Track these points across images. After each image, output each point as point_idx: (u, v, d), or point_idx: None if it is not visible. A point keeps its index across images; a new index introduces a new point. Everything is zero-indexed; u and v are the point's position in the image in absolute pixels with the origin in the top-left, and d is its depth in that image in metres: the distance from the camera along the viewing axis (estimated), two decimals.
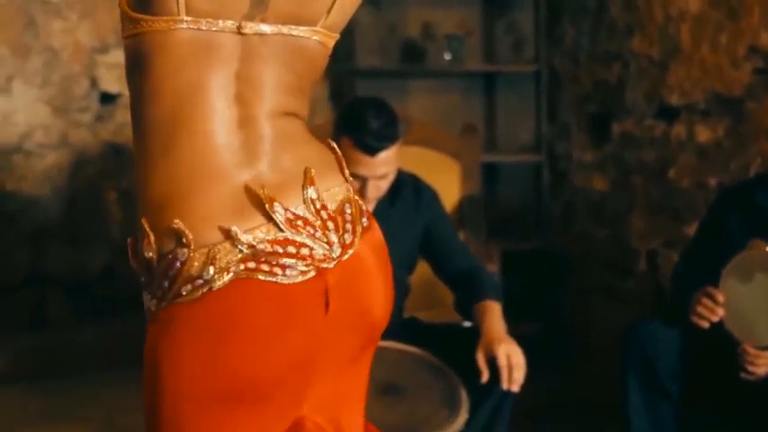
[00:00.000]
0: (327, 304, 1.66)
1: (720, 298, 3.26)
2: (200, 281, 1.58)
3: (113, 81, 4.93)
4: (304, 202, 1.65)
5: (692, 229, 4.06)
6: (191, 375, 1.60)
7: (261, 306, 1.60)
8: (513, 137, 5.63)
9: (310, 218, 1.65)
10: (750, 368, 3.24)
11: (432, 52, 5.44)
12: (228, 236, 1.59)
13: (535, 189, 5.54)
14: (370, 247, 1.76)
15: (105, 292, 5.06)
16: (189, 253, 1.59)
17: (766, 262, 3.27)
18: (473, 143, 4.56)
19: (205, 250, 1.59)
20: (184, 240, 1.59)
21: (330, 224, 1.67)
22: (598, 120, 5.07)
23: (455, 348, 3.24)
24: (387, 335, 3.33)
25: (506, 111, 5.63)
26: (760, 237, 3.29)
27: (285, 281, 1.61)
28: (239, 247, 1.59)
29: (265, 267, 1.60)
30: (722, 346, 3.28)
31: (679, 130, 4.47)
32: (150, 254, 1.62)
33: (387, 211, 3.46)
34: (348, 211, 1.72)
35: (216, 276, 1.58)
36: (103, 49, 4.85)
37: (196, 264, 1.59)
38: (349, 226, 1.70)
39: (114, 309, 5.02)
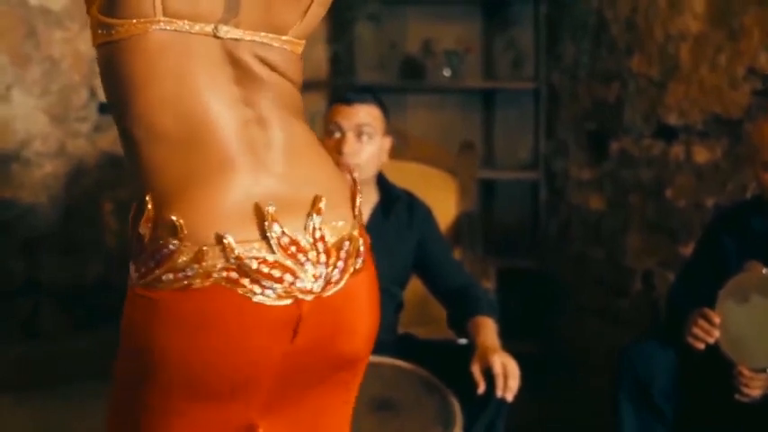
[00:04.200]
0: (296, 333, 1.66)
1: (716, 319, 3.26)
2: (182, 275, 1.61)
3: None
4: (305, 229, 1.65)
5: (688, 250, 4.07)
6: (156, 357, 1.63)
7: (231, 317, 1.62)
8: (511, 154, 5.63)
9: (306, 246, 1.65)
10: (745, 390, 3.24)
11: (431, 68, 5.45)
12: (221, 242, 1.60)
13: (532, 206, 5.54)
14: (359, 286, 1.75)
15: (100, 301, 5.05)
16: (180, 246, 1.61)
17: (763, 284, 3.26)
18: (471, 160, 4.56)
19: (196, 248, 1.60)
20: (179, 233, 1.60)
21: (323, 257, 1.67)
22: (596, 138, 5.07)
23: (450, 365, 3.24)
24: (381, 350, 3.36)
25: (505, 128, 5.63)
26: (756, 259, 3.29)
27: (261, 300, 1.62)
28: (228, 255, 1.60)
29: (246, 282, 1.61)
30: (717, 367, 3.27)
31: (677, 150, 4.47)
32: (145, 231, 1.64)
33: (380, 224, 3.47)
34: (345, 247, 1.71)
35: (198, 277, 1.60)
36: None
37: (183, 258, 1.61)
38: (341, 263, 1.70)
39: (109, 318, 5.01)
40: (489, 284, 4.00)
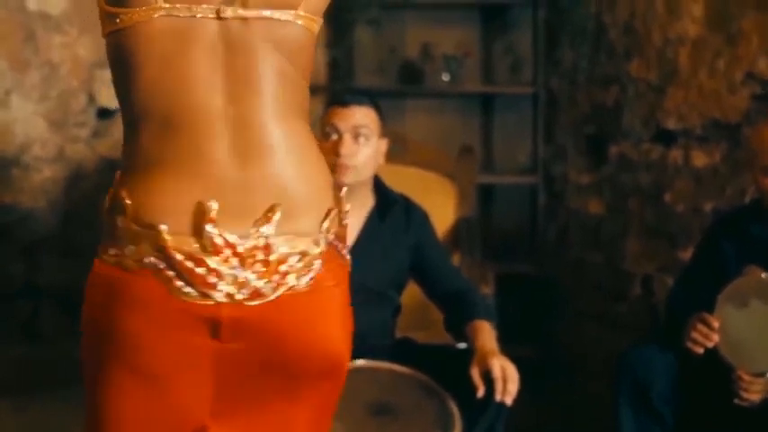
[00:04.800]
0: (219, 335, 1.65)
1: (715, 324, 3.26)
2: (120, 253, 1.65)
3: (111, 97, 4.88)
4: (248, 235, 1.64)
5: (687, 254, 4.07)
6: (95, 324, 1.70)
7: (152, 304, 1.64)
8: (509, 158, 5.63)
9: (242, 251, 1.63)
10: (744, 395, 3.24)
11: (430, 73, 5.45)
12: (155, 229, 1.62)
13: (531, 211, 5.54)
14: (305, 302, 1.70)
15: None
16: (124, 224, 1.64)
17: (762, 288, 3.27)
18: (469, 164, 4.56)
19: (138, 230, 1.63)
20: (125, 212, 1.64)
21: (259, 266, 1.65)
22: (595, 143, 5.07)
23: (449, 369, 3.24)
24: (379, 354, 3.36)
25: (503, 132, 5.63)
26: (755, 263, 3.29)
27: (178, 295, 1.63)
28: (159, 244, 1.61)
29: (170, 273, 1.62)
30: (717, 372, 3.27)
31: (676, 154, 4.47)
32: (105, 206, 1.69)
33: (377, 228, 3.48)
34: (291, 262, 1.67)
35: (131, 258, 1.63)
36: (102, 65, 4.84)
37: (126, 237, 1.64)
38: (277, 277, 1.66)
39: None
40: (488, 289, 4.00)
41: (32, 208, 4.92)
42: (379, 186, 3.55)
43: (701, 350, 3.28)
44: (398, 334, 3.59)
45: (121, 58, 1.67)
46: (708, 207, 4.27)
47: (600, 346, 4.84)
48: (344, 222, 1.80)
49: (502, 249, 5.38)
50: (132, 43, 1.64)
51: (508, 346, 3.30)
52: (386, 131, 3.50)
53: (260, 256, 1.64)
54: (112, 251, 1.66)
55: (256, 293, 1.65)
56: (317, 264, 1.70)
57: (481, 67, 5.62)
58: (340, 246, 1.78)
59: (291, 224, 1.67)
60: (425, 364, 3.29)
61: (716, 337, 3.26)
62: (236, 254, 1.63)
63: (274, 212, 1.65)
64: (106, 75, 4.91)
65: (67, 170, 4.97)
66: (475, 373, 3.11)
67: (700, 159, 4.33)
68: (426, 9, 5.58)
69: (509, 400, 3.09)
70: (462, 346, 3.40)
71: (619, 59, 4.84)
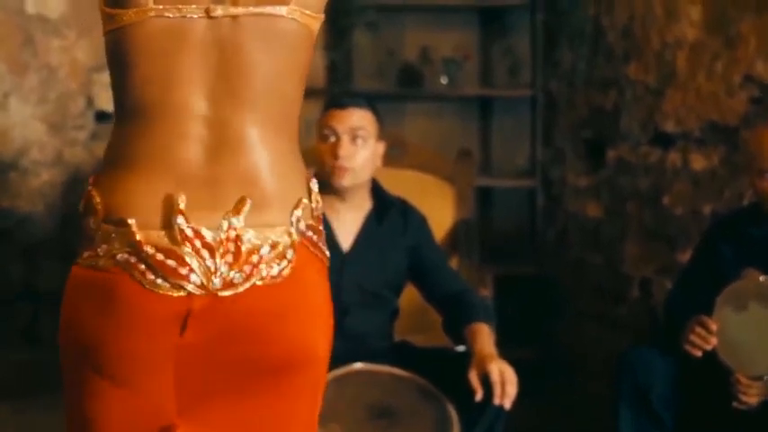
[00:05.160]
0: (185, 327, 1.65)
1: (714, 327, 3.26)
2: (94, 253, 1.65)
3: (110, 100, 4.88)
4: (218, 227, 1.64)
5: (685, 257, 4.07)
6: (69, 329, 1.73)
7: (124, 301, 1.64)
8: (508, 161, 5.63)
9: (212, 242, 1.64)
10: (742, 397, 3.24)
11: (429, 76, 5.45)
12: (125, 224, 1.63)
13: (529, 214, 5.54)
14: (275, 293, 1.69)
15: None
16: (96, 224, 1.66)
17: (760, 291, 3.27)
18: (468, 167, 4.56)
19: (109, 228, 1.64)
20: (95, 211, 1.66)
21: (229, 257, 1.65)
22: (593, 146, 5.07)
23: (447, 372, 3.25)
24: (377, 357, 3.37)
25: (502, 135, 5.63)
26: (753, 266, 3.29)
27: (152, 288, 1.63)
28: (130, 239, 1.62)
29: (141, 267, 1.63)
30: (715, 374, 3.27)
31: (674, 157, 4.47)
32: (81, 209, 1.70)
33: (374, 231, 3.49)
34: (263, 253, 1.67)
35: (104, 257, 1.64)
36: (100, 68, 4.85)
37: (98, 236, 1.65)
38: (248, 267, 1.66)
39: None
40: (487, 292, 4.00)
41: (31, 212, 4.92)
42: (376, 189, 3.55)
43: (699, 353, 3.28)
44: (397, 337, 3.60)
45: (116, 58, 1.70)
46: (706, 210, 4.27)
47: (599, 348, 4.84)
48: (317, 214, 1.78)
49: (501, 252, 5.38)
50: (126, 43, 1.66)
51: (508, 347, 3.30)
52: (384, 134, 3.51)
53: (231, 246, 1.65)
54: (86, 254, 1.67)
55: (228, 283, 1.65)
56: (290, 254, 1.70)
57: (480, 70, 5.62)
58: (315, 237, 1.76)
59: (262, 215, 1.67)
60: (424, 368, 3.29)
61: (714, 340, 3.26)
62: (206, 245, 1.63)
63: (244, 204, 1.65)
64: (104, 78, 4.92)
65: (66, 174, 4.97)
66: (473, 377, 3.11)
67: (698, 162, 4.33)
68: (425, 12, 5.58)
69: (508, 404, 3.09)
70: (461, 349, 3.41)
71: (617, 62, 4.84)
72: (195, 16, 1.65)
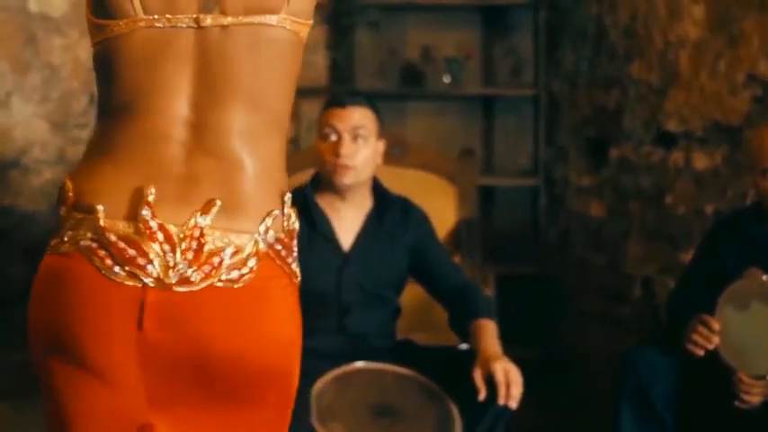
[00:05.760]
0: (141, 320, 1.64)
1: (716, 326, 3.25)
2: (60, 241, 1.67)
3: None
4: (183, 224, 1.64)
5: (688, 256, 4.06)
6: (34, 319, 1.72)
7: (83, 287, 1.65)
8: (510, 160, 5.63)
9: (175, 238, 1.64)
10: (745, 397, 3.23)
11: (431, 75, 5.45)
12: (93, 212, 1.65)
13: (532, 213, 5.54)
14: (233, 298, 1.67)
15: None
16: (66, 212, 1.69)
17: (763, 291, 3.26)
18: (470, 166, 4.56)
19: (77, 216, 1.66)
20: (67, 200, 1.69)
21: (190, 254, 1.64)
22: (596, 145, 5.07)
23: (449, 371, 3.24)
24: (379, 356, 3.36)
25: (504, 134, 5.63)
26: (756, 266, 3.29)
27: (109, 275, 1.64)
28: (95, 225, 1.64)
29: (101, 253, 1.64)
30: (718, 374, 3.27)
31: (677, 156, 4.47)
32: (57, 205, 1.72)
33: (374, 229, 3.49)
34: (224, 256, 1.66)
35: (68, 243, 1.66)
36: None
37: (66, 225, 1.68)
38: (207, 267, 1.65)
39: None
40: (488, 291, 4.00)
41: (33, 211, 4.92)
42: (377, 188, 3.55)
43: (701, 352, 3.28)
44: (399, 335, 3.59)
45: (103, 65, 1.71)
46: (709, 209, 4.26)
47: (601, 347, 4.84)
48: (290, 229, 1.76)
49: (503, 251, 5.38)
50: (114, 53, 1.67)
51: (510, 346, 3.29)
52: (386, 134, 3.51)
53: (193, 244, 1.64)
54: (54, 241, 1.69)
55: (184, 280, 1.64)
56: (252, 262, 1.68)
57: (482, 70, 5.62)
58: (284, 252, 1.74)
59: (231, 220, 1.67)
60: (426, 366, 3.28)
61: (716, 340, 3.26)
62: (168, 239, 1.64)
63: (213, 205, 1.65)
64: None
65: (68, 172, 4.97)
66: (477, 376, 3.10)
67: (701, 161, 4.32)
68: (427, 11, 5.58)
69: (513, 404, 3.08)
70: (464, 347, 3.40)
71: (620, 61, 4.84)
72: (184, 26, 1.66)
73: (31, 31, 4.81)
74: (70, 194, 1.69)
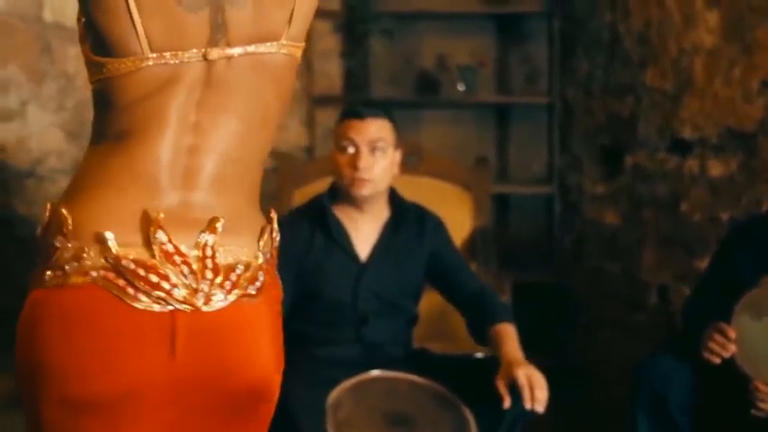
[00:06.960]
0: (174, 346, 1.62)
1: (732, 334, 3.25)
2: (61, 272, 1.61)
3: None
4: (195, 245, 1.63)
5: (703, 264, 4.06)
6: (36, 359, 1.62)
7: (104, 318, 1.60)
8: (525, 168, 5.63)
9: (191, 259, 1.63)
10: (761, 405, 3.23)
11: (446, 83, 5.45)
12: (102, 241, 1.60)
13: (547, 221, 5.54)
14: (250, 312, 1.69)
15: None
16: (64, 242, 1.63)
17: None
18: (485, 174, 4.57)
19: (79, 245, 1.61)
20: (64, 229, 1.63)
21: (209, 273, 1.64)
22: (610, 152, 5.07)
23: (465, 379, 3.24)
24: (395, 365, 3.37)
25: (519, 142, 5.63)
26: None
27: (134, 303, 1.60)
28: (107, 255, 1.60)
29: (121, 283, 1.59)
30: (734, 382, 3.26)
31: (691, 164, 4.46)
32: (41, 231, 1.68)
33: (391, 239, 3.49)
34: (238, 271, 1.67)
35: (75, 274, 1.60)
36: None
37: (65, 255, 1.62)
38: (228, 284, 1.65)
39: None
40: (505, 298, 4.00)
41: None
42: (394, 197, 3.55)
43: (717, 360, 3.28)
44: (415, 344, 3.59)
45: (105, 101, 1.68)
46: (724, 217, 4.26)
47: (616, 355, 4.83)
48: (275, 244, 1.78)
49: (518, 259, 5.38)
50: (118, 90, 1.64)
51: (525, 354, 3.29)
52: (401, 142, 3.51)
53: (209, 263, 1.64)
54: (49, 274, 1.63)
55: (208, 300, 1.64)
56: (262, 276, 1.70)
57: (496, 78, 5.62)
58: (273, 264, 1.77)
59: (233, 237, 1.67)
60: (442, 375, 3.29)
61: (733, 348, 3.25)
62: (185, 261, 1.62)
63: (218, 221, 1.65)
64: None
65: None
66: (500, 384, 3.10)
67: (716, 169, 4.32)
68: (441, 19, 5.58)
69: (540, 408, 3.07)
70: (479, 355, 3.40)
71: (634, 69, 4.84)
72: (193, 60, 1.65)
73: (46, 41, 4.82)
74: (68, 224, 1.63)
